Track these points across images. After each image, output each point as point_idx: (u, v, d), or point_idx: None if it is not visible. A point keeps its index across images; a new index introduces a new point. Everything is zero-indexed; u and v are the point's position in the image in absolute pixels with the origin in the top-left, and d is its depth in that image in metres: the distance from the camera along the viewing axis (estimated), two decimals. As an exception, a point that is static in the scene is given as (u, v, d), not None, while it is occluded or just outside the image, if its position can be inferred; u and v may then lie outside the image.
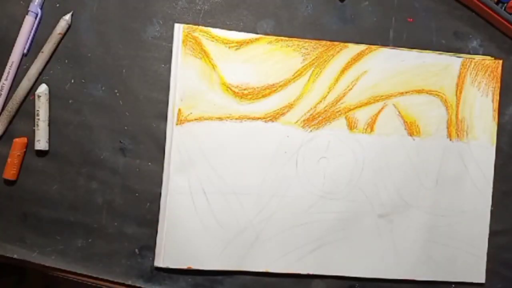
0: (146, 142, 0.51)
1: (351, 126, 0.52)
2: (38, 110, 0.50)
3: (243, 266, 0.51)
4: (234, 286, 0.52)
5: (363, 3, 0.53)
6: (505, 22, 0.52)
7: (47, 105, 0.50)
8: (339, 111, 0.52)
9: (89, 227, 0.51)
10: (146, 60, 0.51)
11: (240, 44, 0.51)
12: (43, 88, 0.50)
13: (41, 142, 0.50)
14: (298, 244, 0.51)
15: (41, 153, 0.51)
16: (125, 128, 0.51)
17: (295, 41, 0.52)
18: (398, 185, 0.52)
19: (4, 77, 0.50)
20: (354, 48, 0.52)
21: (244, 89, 0.51)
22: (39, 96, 0.50)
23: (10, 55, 0.50)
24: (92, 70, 0.51)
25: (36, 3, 0.50)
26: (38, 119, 0.50)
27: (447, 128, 0.53)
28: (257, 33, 0.52)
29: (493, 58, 0.54)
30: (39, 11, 0.50)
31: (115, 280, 0.51)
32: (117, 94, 0.51)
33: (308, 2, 0.53)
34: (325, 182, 0.52)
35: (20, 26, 0.50)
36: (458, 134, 0.53)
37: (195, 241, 0.50)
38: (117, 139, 0.51)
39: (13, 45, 0.50)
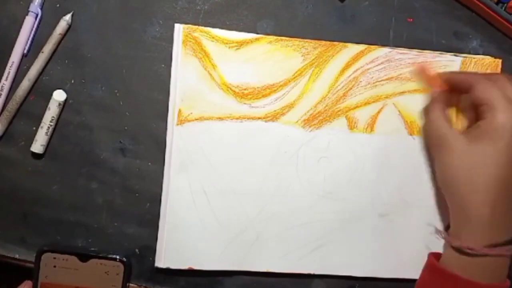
0: (146, 142, 0.51)
1: (351, 125, 0.52)
2: (49, 116, 0.50)
3: (244, 266, 0.51)
4: (234, 286, 0.52)
5: (363, 3, 0.53)
6: (505, 22, 0.52)
7: (59, 112, 0.50)
8: (339, 110, 0.52)
9: (89, 227, 0.51)
10: (146, 60, 0.51)
11: (240, 44, 0.51)
12: (64, 97, 0.50)
13: (37, 144, 0.50)
14: (298, 244, 0.51)
15: (38, 154, 0.50)
16: (125, 128, 0.51)
17: (295, 41, 0.52)
18: (399, 184, 0.52)
19: (4, 77, 0.50)
20: (354, 48, 0.52)
21: (244, 89, 0.51)
22: (59, 104, 0.50)
23: (10, 55, 0.50)
24: (92, 70, 0.51)
25: (36, 3, 0.50)
26: (44, 123, 0.50)
27: (448, 127, 0.53)
28: (257, 33, 0.52)
29: (493, 58, 0.54)
30: (39, 11, 0.50)
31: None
32: (117, 94, 0.51)
33: (308, 2, 0.53)
34: (325, 182, 0.52)
35: (20, 26, 0.50)
36: (458, 134, 0.53)
37: (195, 241, 0.50)
38: (117, 139, 0.51)
39: (13, 45, 0.50)
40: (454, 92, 0.49)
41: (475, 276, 0.44)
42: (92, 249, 0.50)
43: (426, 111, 0.49)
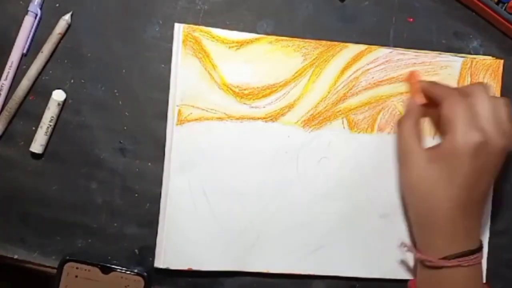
0: (146, 142, 0.51)
1: (352, 126, 0.52)
2: (48, 115, 0.50)
3: (244, 266, 0.51)
4: (234, 287, 0.52)
5: (363, 3, 0.53)
6: (506, 22, 0.52)
7: (58, 112, 0.50)
8: (340, 111, 0.52)
9: (89, 228, 0.51)
10: (146, 60, 0.51)
11: (241, 44, 0.51)
12: (63, 97, 0.50)
13: (37, 144, 0.50)
14: (298, 244, 0.51)
15: (37, 154, 0.50)
16: (125, 128, 0.51)
17: (296, 41, 0.52)
18: (399, 185, 0.52)
19: (3, 77, 0.50)
20: (354, 48, 0.52)
21: (245, 89, 0.51)
22: (58, 104, 0.50)
23: (9, 55, 0.50)
24: (92, 70, 0.51)
25: (35, 3, 0.50)
26: (44, 122, 0.50)
27: (448, 128, 0.53)
28: (257, 33, 0.52)
29: (494, 58, 0.53)
30: (39, 11, 0.50)
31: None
32: (117, 94, 0.51)
33: (308, 2, 0.53)
34: (326, 182, 0.52)
35: (20, 26, 0.50)
36: (459, 134, 0.53)
37: (195, 242, 0.50)
38: (117, 139, 0.51)
39: (12, 45, 0.50)
40: (432, 105, 0.49)
41: None
42: (115, 262, 0.50)
43: (400, 123, 0.49)
